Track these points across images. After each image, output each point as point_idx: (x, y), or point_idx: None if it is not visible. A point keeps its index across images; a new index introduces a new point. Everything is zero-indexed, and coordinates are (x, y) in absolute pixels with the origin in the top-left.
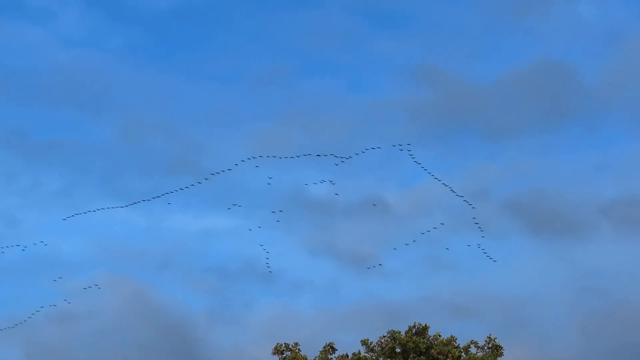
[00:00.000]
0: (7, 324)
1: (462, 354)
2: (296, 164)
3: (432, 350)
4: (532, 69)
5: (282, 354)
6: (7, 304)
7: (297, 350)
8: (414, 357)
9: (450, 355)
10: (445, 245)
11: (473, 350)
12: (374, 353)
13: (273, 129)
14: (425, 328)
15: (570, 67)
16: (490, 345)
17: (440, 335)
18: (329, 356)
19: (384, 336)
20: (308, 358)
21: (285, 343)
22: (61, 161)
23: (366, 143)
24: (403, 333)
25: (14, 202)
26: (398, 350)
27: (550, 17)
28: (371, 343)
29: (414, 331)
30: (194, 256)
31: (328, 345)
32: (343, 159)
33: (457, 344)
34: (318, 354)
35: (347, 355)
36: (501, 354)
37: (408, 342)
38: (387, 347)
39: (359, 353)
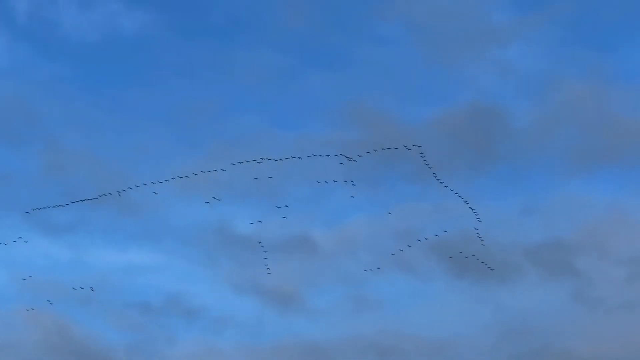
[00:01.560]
0: None
1: None
2: (224, 201)
3: None
4: (463, 111)
5: None
6: None
7: None
8: None
9: None
10: (371, 284)
11: None
12: None
13: (200, 164)
14: None
15: (500, 110)
16: None
17: None
18: None
19: None
20: None
21: None
22: None
23: (295, 181)
24: None
25: None
26: None
27: (481, 60)
28: None
29: None
30: (117, 290)
31: None
32: (351, 159)
33: None
34: None
35: None
36: None
37: None
38: None
39: None
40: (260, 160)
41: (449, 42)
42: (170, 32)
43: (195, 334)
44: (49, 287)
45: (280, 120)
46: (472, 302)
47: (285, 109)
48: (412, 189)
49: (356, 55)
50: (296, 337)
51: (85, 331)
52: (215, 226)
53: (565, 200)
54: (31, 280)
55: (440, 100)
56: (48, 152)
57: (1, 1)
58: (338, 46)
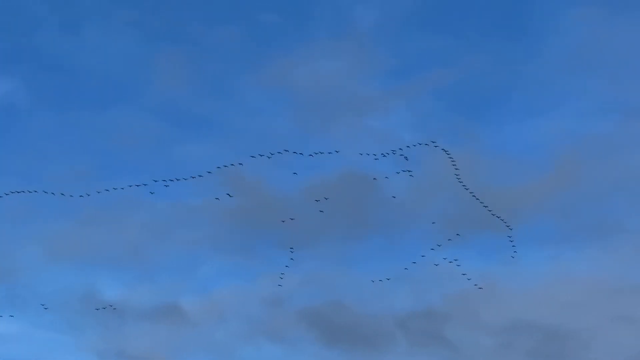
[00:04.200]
0: None
1: None
2: (91, 267)
3: None
4: (338, 179)
5: None
6: None
7: None
8: None
9: None
10: (239, 353)
11: None
12: None
13: (72, 230)
14: None
15: (375, 178)
16: None
17: None
18: None
19: None
20: None
21: None
22: None
23: (167, 246)
24: None
25: None
26: None
27: (356, 129)
28: None
29: None
30: None
31: None
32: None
33: None
34: None
35: None
36: None
37: None
38: None
39: None
40: None
41: (324, 111)
42: (38, 99)
43: None
44: None
45: (154, 187)
46: None
47: (158, 174)
48: (283, 256)
49: (231, 123)
50: None
51: None
52: (80, 292)
53: (436, 270)
54: None
55: (316, 168)
56: None
57: None
58: (213, 113)
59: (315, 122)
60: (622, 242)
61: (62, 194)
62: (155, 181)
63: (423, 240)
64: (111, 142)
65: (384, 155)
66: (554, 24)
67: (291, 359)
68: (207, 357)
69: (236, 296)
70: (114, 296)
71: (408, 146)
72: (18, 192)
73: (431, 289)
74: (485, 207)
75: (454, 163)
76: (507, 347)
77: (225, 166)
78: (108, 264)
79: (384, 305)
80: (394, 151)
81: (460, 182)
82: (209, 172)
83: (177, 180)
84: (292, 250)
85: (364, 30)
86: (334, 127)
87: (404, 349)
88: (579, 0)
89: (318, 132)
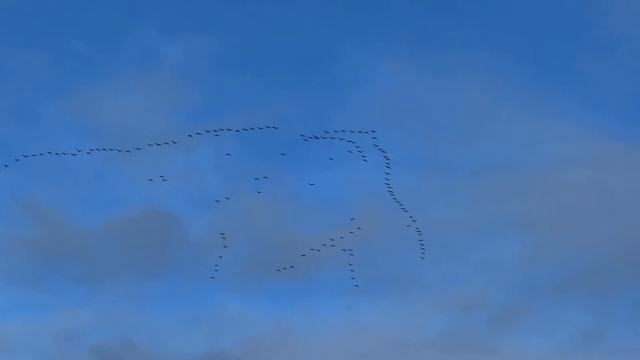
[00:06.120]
0: None
1: None
2: None
3: None
4: (139, 216)
5: None
6: None
7: None
8: None
9: None
10: None
11: None
12: None
13: None
14: None
15: (177, 217)
16: None
17: None
18: None
19: None
20: None
21: None
22: None
23: None
24: None
25: None
26: None
27: (161, 164)
28: None
29: None
30: None
31: None
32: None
33: None
34: None
35: None
36: None
37: None
38: None
39: None
40: None
41: (128, 145)
42: None
43: None
44: None
45: None
46: None
47: None
48: (76, 292)
49: (31, 151)
50: None
51: None
52: None
53: (230, 313)
54: None
55: (119, 203)
56: None
57: None
58: (14, 140)
59: (118, 155)
60: (416, 295)
61: None
62: None
63: (221, 283)
64: None
65: (321, 138)
66: (363, 75)
67: None
68: None
69: (26, 329)
70: None
71: (343, 130)
72: None
73: (225, 332)
74: (399, 203)
75: (385, 154)
76: None
77: None
78: None
79: (177, 347)
80: (327, 132)
81: (389, 189)
82: None
83: None
84: (224, 236)
85: (171, 68)
86: (137, 162)
87: None
88: (389, 55)
89: (121, 165)
